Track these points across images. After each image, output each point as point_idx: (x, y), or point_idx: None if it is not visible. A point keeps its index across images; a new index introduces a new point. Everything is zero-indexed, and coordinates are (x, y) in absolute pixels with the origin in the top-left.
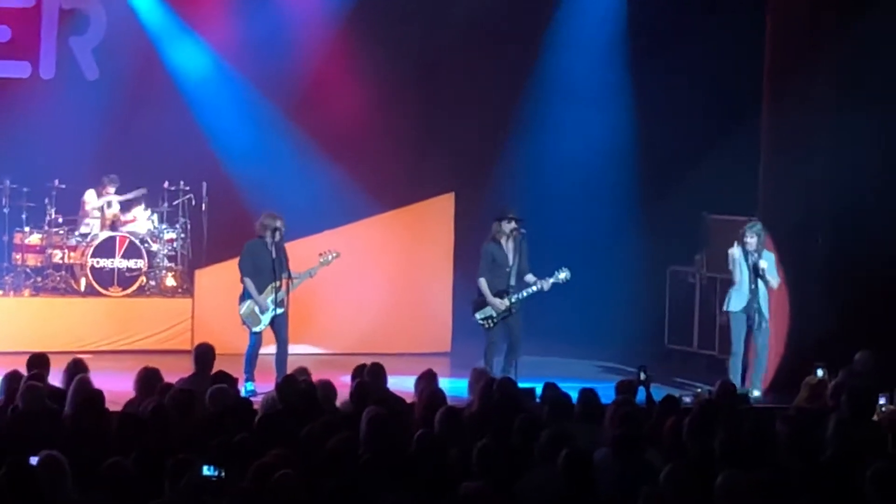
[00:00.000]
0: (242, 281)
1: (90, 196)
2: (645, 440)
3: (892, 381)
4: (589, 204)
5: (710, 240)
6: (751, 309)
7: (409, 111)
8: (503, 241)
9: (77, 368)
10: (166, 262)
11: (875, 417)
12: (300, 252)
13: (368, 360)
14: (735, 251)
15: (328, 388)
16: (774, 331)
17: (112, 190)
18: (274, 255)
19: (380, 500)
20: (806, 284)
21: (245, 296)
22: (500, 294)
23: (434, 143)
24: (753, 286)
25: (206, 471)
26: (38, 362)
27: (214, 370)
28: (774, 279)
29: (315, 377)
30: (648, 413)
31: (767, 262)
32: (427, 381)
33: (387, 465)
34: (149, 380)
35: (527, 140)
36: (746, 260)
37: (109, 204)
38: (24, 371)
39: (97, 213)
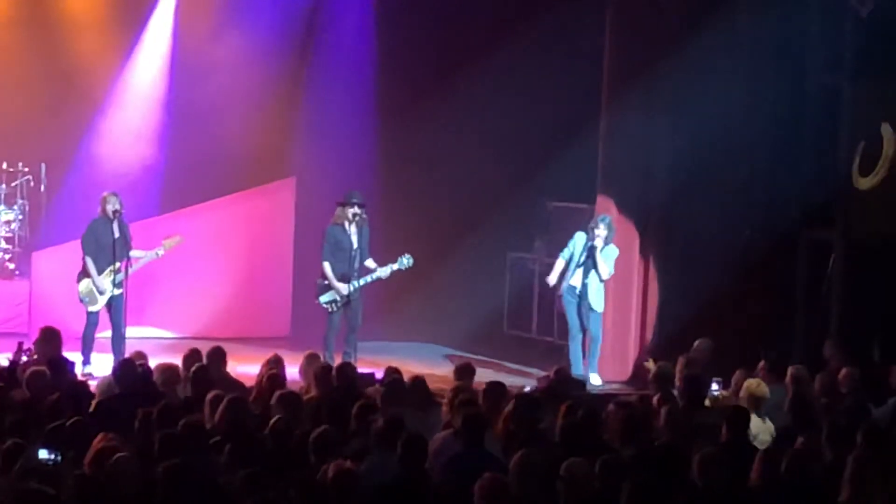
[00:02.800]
0: (83, 259)
1: None
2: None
3: (728, 368)
4: (432, 190)
5: (550, 227)
6: (577, 295)
7: (250, 95)
8: (346, 225)
9: None
10: (3, 244)
11: (707, 403)
12: (141, 234)
13: (208, 345)
14: (578, 236)
15: (172, 373)
16: (634, 322)
17: None
18: (116, 235)
19: (229, 481)
20: (659, 274)
21: (84, 274)
22: (344, 278)
23: (275, 127)
24: (585, 279)
25: (43, 454)
26: None
27: None
28: (606, 269)
29: (155, 361)
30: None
31: (608, 255)
32: (270, 365)
33: (236, 448)
34: None
35: (370, 127)
36: (585, 248)
37: None
38: None
39: None
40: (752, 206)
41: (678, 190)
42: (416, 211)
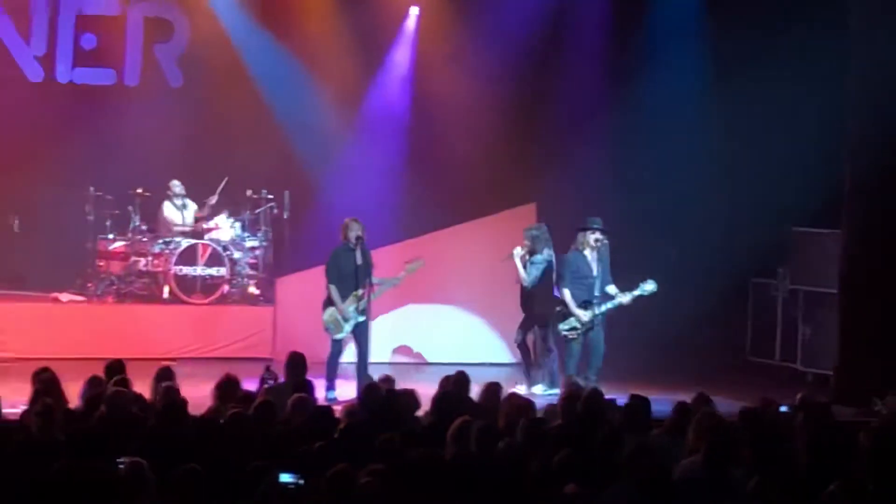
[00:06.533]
0: (327, 287)
1: (168, 208)
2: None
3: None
4: (672, 216)
5: (794, 252)
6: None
7: (491, 121)
8: (586, 251)
9: (164, 376)
10: (248, 270)
11: None
12: (383, 260)
13: (451, 370)
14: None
15: (411, 398)
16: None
17: (177, 190)
18: (359, 261)
19: None
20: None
21: (329, 302)
22: (584, 305)
23: (515, 153)
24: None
25: (286, 478)
26: (118, 368)
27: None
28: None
29: (397, 386)
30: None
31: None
32: (513, 398)
33: (476, 475)
34: (228, 388)
35: (611, 151)
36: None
37: (185, 206)
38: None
39: (177, 223)
40: None
41: None
42: (656, 237)
